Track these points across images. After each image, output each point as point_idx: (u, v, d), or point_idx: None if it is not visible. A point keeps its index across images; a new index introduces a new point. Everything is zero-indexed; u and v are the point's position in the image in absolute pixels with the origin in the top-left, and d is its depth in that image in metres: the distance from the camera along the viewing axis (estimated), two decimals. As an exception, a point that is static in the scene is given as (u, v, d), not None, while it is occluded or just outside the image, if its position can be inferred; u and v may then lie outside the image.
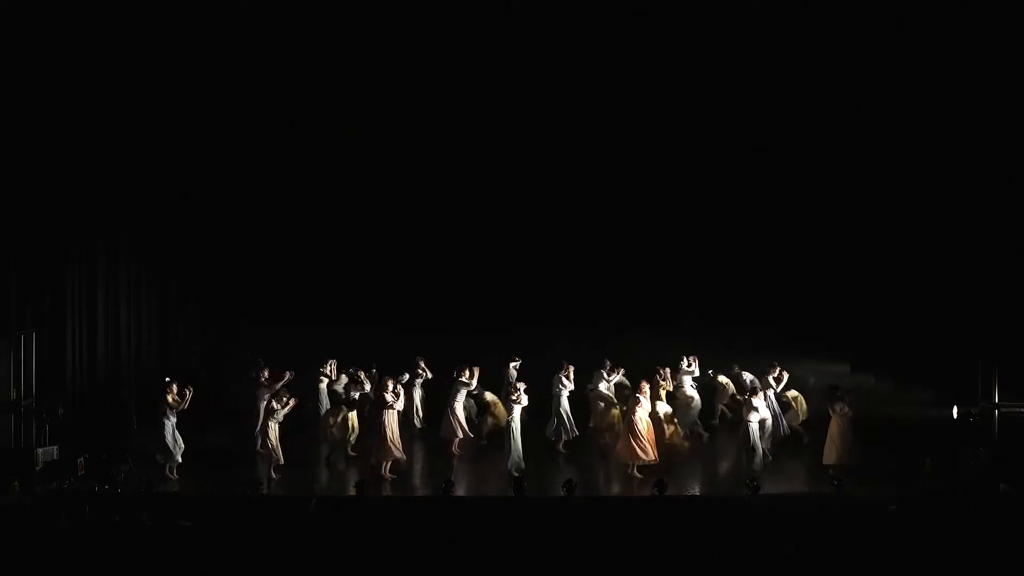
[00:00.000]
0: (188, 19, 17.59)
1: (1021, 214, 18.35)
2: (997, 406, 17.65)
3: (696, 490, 16.06)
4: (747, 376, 18.27)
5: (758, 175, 20.17)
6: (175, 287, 20.91)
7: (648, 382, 16.81)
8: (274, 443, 16.03)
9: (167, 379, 16.86)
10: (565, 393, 17.91)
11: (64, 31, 17.35)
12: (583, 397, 18.35)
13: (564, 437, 17.96)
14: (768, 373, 17.84)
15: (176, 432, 16.21)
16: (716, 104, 19.36)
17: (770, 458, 16.83)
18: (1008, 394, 17.72)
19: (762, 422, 16.64)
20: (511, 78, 19.15)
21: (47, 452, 16.31)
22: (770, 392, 17.44)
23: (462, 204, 20.99)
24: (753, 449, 16.34)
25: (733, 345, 19.85)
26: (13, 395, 16.57)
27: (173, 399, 16.23)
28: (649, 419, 16.35)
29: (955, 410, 17.85)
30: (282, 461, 16.13)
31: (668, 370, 18.15)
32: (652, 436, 16.30)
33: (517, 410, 16.57)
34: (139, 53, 17.90)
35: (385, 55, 18.84)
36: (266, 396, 16.90)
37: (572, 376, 18.05)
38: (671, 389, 18.15)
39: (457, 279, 21.13)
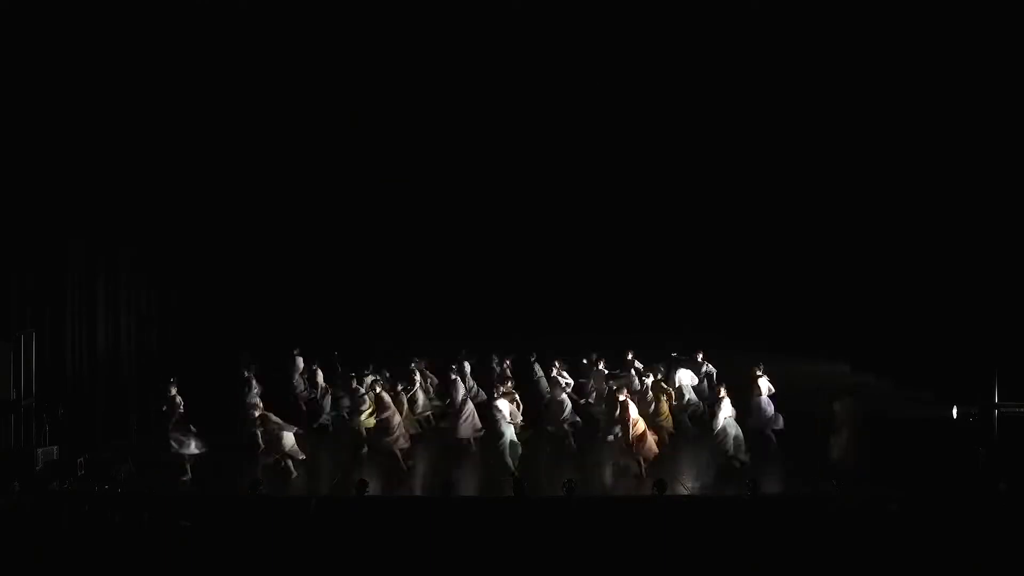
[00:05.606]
0: (191, 28, 17.63)
1: (1020, 214, 18.34)
2: (997, 406, 17.63)
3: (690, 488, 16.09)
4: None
5: (758, 177, 20.21)
6: (175, 288, 20.91)
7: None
8: (288, 448, 16.16)
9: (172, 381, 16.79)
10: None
11: (68, 39, 17.34)
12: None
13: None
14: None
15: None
16: (718, 105, 19.36)
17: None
18: (1008, 394, 17.71)
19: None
20: (528, 103, 19.14)
21: (47, 452, 16.32)
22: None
23: (460, 209, 21.10)
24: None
25: (734, 346, 19.89)
26: (13, 395, 16.57)
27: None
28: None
29: (955, 410, 17.83)
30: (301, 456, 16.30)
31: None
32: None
33: (505, 406, 16.53)
34: (138, 56, 17.91)
35: (386, 68, 18.85)
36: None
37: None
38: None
39: (455, 282, 21.23)
